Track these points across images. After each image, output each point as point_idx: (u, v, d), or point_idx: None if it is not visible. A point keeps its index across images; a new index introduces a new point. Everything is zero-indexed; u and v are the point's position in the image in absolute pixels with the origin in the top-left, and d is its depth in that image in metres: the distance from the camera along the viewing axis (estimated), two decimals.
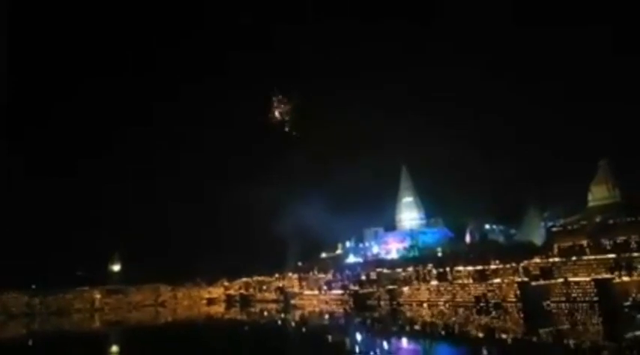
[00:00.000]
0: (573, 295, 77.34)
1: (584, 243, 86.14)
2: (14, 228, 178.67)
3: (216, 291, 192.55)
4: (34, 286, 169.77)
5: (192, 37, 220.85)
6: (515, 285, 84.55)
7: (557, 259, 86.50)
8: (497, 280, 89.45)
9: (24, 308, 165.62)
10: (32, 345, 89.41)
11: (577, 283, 77.90)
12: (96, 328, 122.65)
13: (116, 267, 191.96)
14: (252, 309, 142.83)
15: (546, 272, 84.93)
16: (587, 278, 77.16)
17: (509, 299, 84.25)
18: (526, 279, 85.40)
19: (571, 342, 51.49)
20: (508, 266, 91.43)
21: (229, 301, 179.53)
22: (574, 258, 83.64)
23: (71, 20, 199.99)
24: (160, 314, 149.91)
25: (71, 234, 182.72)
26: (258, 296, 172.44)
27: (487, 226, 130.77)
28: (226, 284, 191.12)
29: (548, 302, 79.06)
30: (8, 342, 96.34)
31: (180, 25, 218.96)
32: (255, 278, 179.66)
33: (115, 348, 78.76)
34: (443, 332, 64.98)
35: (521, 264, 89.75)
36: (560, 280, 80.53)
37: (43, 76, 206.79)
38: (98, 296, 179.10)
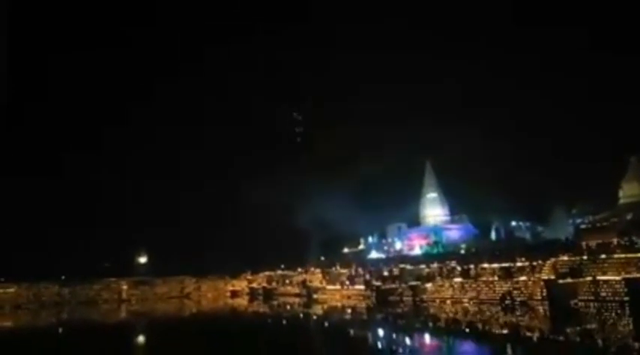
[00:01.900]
0: (602, 294, 75.55)
1: (615, 240, 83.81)
2: (45, 221, 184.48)
3: (240, 284, 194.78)
4: (63, 277, 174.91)
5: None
6: (542, 283, 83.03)
7: (585, 257, 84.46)
8: (524, 278, 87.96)
9: (54, 298, 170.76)
10: (62, 333, 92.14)
11: (606, 282, 76.01)
12: (123, 318, 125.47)
13: (143, 259, 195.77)
14: (275, 303, 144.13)
15: (574, 271, 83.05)
16: (617, 277, 75.17)
17: (535, 298, 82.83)
18: (553, 277, 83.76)
19: (600, 342, 50.39)
20: (534, 263, 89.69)
21: (252, 294, 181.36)
22: (603, 256, 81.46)
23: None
24: (186, 305, 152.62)
25: (100, 227, 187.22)
26: (281, 289, 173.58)
27: (513, 223, 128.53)
28: (249, 277, 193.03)
29: (575, 300, 77.45)
30: (40, 330, 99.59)
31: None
32: (278, 271, 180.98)
33: (142, 339, 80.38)
34: (467, 330, 64.37)
35: (548, 262, 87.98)
36: (589, 278, 78.69)
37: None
38: (125, 287, 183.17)
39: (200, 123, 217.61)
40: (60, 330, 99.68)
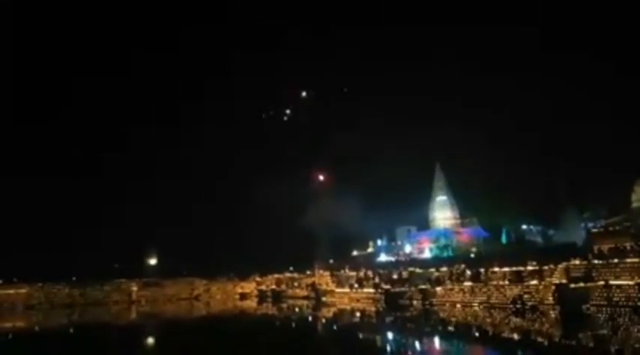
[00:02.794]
0: (615, 299, 74.58)
1: (628, 245, 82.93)
2: (57, 223, 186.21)
3: (249, 286, 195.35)
4: (74, 278, 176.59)
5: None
6: (553, 287, 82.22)
7: (597, 261, 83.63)
8: (535, 282, 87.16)
9: (65, 299, 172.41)
10: (73, 334, 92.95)
11: (619, 287, 75.07)
12: (134, 320, 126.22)
13: (153, 261, 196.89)
14: (284, 305, 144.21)
15: (586, 275, 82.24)
16: (631, 282, 74.24)
17: (546, 302, 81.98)
18: (565, 281, 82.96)
19: (612, 348, 49.78)
20: (546, 267, 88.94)
21: (261, 296, 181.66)
22: (616, 261, 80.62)
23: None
24: (195, 307, 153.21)
25: (110, 228, 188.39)
26: (290, 292, 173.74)
27: (524, 226, 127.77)
28: (258, 279, 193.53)
29: (587, 305, 76.53)
30: (53, 330, 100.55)
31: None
32: (287, 274, 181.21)
33: (154, 340, 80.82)
34: (478, 334, 63.93)
35: (560, 266, 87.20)
36: (601, 283, 77.78)
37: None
38: (135, 288, 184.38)
39: (210, 124, 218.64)
40: (72, 330, 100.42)
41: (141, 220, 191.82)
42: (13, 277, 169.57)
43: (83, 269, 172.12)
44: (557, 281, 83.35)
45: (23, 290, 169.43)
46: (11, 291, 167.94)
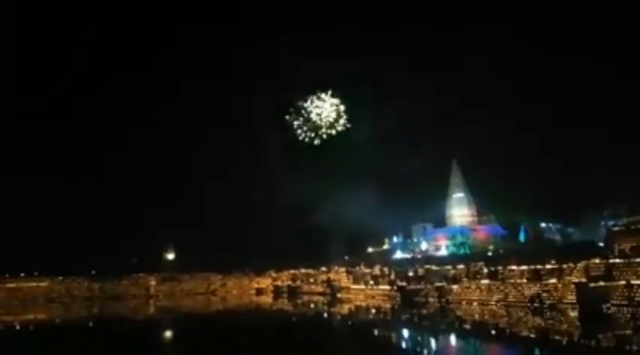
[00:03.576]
0: (637, 299, 73.32)
1: None
2: (78, 219, 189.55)
3: (264, 282, 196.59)
4: (93, 272, 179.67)
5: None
6: (572, 286, 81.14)
7: (618, 260, 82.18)
8: (553, 280, 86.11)
9: (85, 293, 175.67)
10: (93, 327, 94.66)
11: None
12: (152, 314, 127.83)
13: (170, 256, 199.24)
14: (299, 301, 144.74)
15: (606, 274, 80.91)
16: None
17: (565, 301, 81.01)
18: (584, 280, 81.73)
19: (634, 349, 48.93)
20: (565, 266, 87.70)
21: (277, 292, 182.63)
22: (638, 260, 79.13)
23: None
24: (212, 302, 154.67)
25: (128, 224, 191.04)
26: (305, 288, 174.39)
27: (542, 224, 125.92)
28: (274, 275, 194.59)
29: (608, 305, 75.37)
30: (74, 323, 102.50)
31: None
32: (303, 270, 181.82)
33: (173, 334, 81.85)
34: (495, 333, 63.38)
35: (579, 264, 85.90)
36: (622, 282, 76.50)
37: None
38: (153, 283, 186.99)
39: (225, 123, 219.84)
40: (95, 324, 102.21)
41: (159, 216, 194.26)
42: (35, 271, 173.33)
43: (102, 264, 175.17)
44: (576, 280, 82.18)
45: (44, 284, 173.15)
46: (33, 284, 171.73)
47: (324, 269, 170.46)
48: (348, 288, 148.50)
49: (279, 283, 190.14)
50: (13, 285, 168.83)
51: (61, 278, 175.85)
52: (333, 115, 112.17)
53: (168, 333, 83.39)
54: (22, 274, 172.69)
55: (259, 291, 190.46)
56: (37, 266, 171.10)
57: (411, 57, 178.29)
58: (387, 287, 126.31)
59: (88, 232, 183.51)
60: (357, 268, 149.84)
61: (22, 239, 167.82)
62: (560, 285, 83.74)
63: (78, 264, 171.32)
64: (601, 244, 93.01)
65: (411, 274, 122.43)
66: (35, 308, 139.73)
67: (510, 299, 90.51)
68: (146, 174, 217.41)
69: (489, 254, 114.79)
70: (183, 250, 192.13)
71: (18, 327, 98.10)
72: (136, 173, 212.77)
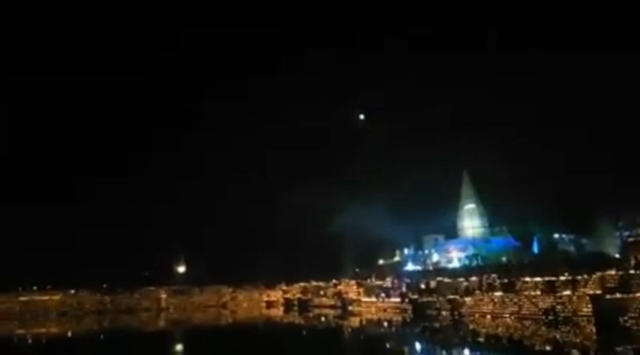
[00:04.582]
0: None
1: None
2: (87, 231, 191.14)
3: (275, 295, 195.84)
4: (105, 285, 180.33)
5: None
6: (588, 298, 79.64)
7: (635, 271, 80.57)
8: (568, 292, 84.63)
9: (97, 306, 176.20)
10: (104, 340, 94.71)
11: None
12: (164, 327, 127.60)
13: (181, 269, 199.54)
14: (310, 314, 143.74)
15: (623, 286, 79.30)
16: None
17: (580, 313, 79.44)
18: (599, 292, 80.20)
19: None
20: (579, 277, 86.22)
21: (287, 305, 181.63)
22: None
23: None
24: (222, 315, 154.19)
25: (140, 236, 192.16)
26: (316, 301, 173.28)
27: (556, 235, 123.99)
28: (285, 288, 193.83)
29: (625, 318, 73.72)
30: (85, 336, 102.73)
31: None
32: (313, 283, 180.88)
33: (184, 347, 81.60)
34: (509, 346, 62.26)
35: (594, 276, 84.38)
36: None
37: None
38: (164, 296, 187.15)
39: (239, 132, 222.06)
40: (108, 337, 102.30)
41: (170, 230, 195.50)
42: (47, 284, 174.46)
43: (114, 277, 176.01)
44: (591, 292, 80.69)
45: (56, 297, 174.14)
46: (45, 298, 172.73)
47: (334, 281, 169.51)
48: (359, 301, 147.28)
49: (289, 296, 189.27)
50: (26, 299, 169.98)
51: (72, 291, 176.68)
52: None
53: (179, 346, 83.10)
54: (35, 288, 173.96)
55: (270, 304, 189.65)
56: (49, 280, 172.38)
57: (422, 68, 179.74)
58: (398, 299, 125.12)
59: (100, 245, 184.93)
60: (368, 280, 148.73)
61: (35, 253, 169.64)
62: (574, 297, 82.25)
63: (90, 278, 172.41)
64: (617, 256, 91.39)
65: (422, 286, 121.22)
66: (47, 322, 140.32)
67: (524, 312, 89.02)
68: (159, 188, 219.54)
69: (503, 265, 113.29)
70: (194, 263, 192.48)
71: (30, 341, 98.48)
72: (148, 187, 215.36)
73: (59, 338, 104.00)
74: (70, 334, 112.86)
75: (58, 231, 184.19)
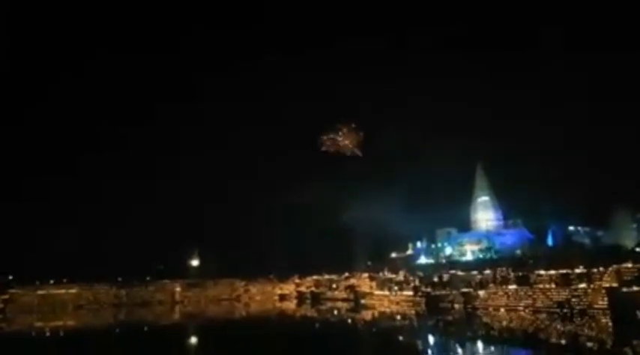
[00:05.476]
0: None
1: None
2: (102, 225, 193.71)
3: (288, 288, 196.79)
4: (120, 279, 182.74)
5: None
6: (604, 291, 78.81)
7: None
8: (583, 285, 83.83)
9: (112, 299, 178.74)
10: (120, 333, 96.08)
11: None
12: (179, 320, 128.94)
13: (195, 262, 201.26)
14: (323, 307, 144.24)
15: None
16: None
17: (596, 306, 78.72)
18: (616, 285, 79.27)
19: None
20: (595, 270, 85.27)
21: (300, 298, 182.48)
22: None
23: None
24: (236, 308, 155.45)
25: (154, 230, 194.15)
26: (328, 294, 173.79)
27: (571, 227, 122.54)
28: (297, 281, 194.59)
29: None
30: (102, 329, 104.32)
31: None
32: (326, 276, 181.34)
33: (199, 340, 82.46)
34: (523, 340, 61.89)
35: (610, 269, 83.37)
36: None
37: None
38: (178, 289, 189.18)
39: (251, 124, 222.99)
40: (124, 330, 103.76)
41: (184, 223, 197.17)
42: (64, 278, 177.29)
43: (129, 271, 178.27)
44: (607, 285, 79.81)
45: (73, 291, 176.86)
46: (62, 291, 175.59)
47: (347, 275, 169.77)
48: (371, 294, 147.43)
49: (302, 289, 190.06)
50: (43, 292, 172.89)
51: (89, 285, 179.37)
52: None
53: (194, 339, 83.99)
54: (52, 281, 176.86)
55: (282, 297, 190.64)
56: (66, 273, 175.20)
57: (438, 64, 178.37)
58: (411, 293, 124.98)
59: (115, 239, 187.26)
60: (381, 274, 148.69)
61: (52, 247, 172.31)
62: (590, 290, 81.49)
63: (105, 271, 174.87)
64: (638, 249, 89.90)
65: (435, 280, 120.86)
66: (65, 315, 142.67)
67: (539, 305, 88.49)
68: (172, 181, 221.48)
69: (517, 258, 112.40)
70: (208, 256, 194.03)
71: (48, 334, 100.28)
72: (162, 180, 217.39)
73: (77, 330, 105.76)
74: (87, 327, 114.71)
75: (74, 225, 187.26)
